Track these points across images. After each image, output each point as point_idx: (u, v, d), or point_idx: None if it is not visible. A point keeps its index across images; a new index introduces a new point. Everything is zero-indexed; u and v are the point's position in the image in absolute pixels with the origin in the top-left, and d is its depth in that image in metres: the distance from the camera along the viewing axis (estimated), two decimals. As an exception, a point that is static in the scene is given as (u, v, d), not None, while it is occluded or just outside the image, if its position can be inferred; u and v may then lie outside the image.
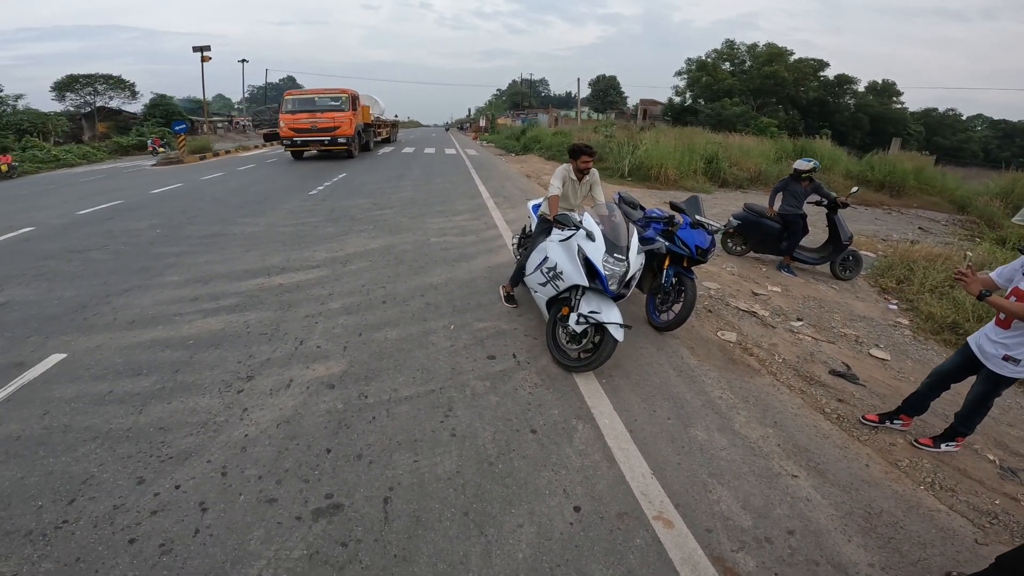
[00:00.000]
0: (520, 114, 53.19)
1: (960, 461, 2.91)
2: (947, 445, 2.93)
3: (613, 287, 3.15)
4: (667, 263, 4.10)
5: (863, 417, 3.20)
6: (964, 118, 58.26)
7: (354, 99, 17.11)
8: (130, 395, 3.03)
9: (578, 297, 3.31)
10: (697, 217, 4.12)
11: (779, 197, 6.28)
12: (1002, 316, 2.58)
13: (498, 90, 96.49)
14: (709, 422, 3.02)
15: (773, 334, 4.45)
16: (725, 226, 4.40)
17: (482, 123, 46.98)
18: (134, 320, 4.06)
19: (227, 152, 21.75)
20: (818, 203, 6.25)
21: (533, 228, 4.52)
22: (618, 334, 3.13)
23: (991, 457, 3.00)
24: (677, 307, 4.05)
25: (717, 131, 23.12)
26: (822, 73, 43.86)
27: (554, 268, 3.46)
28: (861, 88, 45.56)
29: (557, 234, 3.63)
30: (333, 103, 16.50)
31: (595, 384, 3.30)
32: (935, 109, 53.91)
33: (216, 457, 2.51)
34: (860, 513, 2.41)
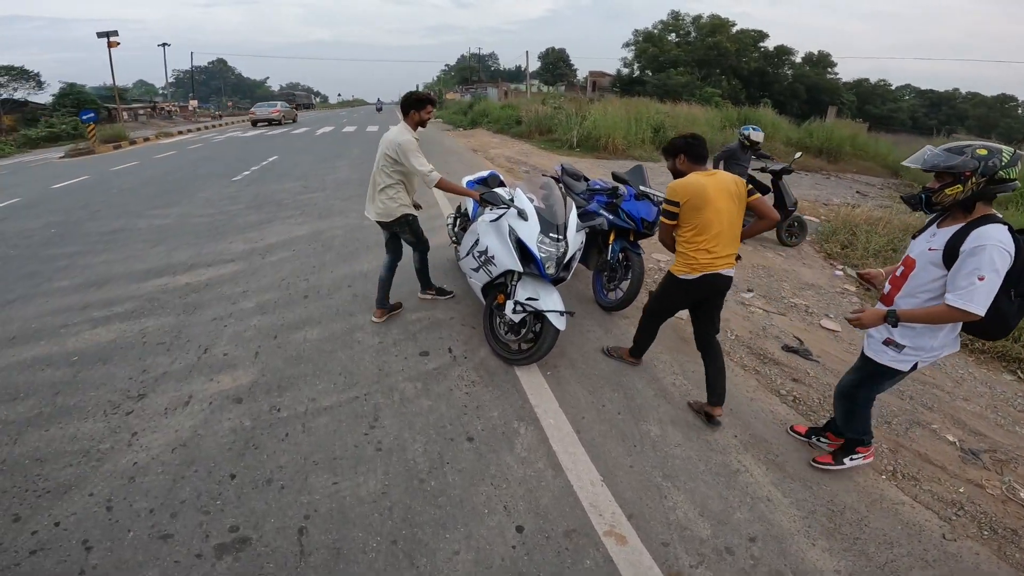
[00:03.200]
0: (469, 88, 51.74)
1: (920, 444, 2.75)
2: (852, 459, 2.43)
3: (550, 271, 2.84)
4: (612, 238, 3.85)
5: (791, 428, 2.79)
6: (893, 88, 61.31)
7: None
8: (4, 423, 2.60)
9: (514, 283, 2.99)
10: (642, 188, 3.87)
11: (722, 165, 6.16)
12: (885, 291, 2.18)
13: (447, 65, 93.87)
14: (662, 413, 2.80)
15: (724, 307, 4.31)
16: None
17: (429, 99, 45.21)
18: (15, 336, 3.47)
19: (146, 140, 19.93)
20: (763, 169, 6.18)
21: (468, 208, 4.16)
22: (559, 323, 2.85)
23: (951, 438, 2.84)
24: (625, 284, 3.82)
25: (664, 101, 23.17)
26: (762, 44, 44.75)
27: (485, 252, 3.10)
28: (798, 59, 46.89)
29: (488, 213, 3.28)
30: None
31: (539, 378, 3.02)
32: (867, 80, 56.29)
33: (100, 490, 2.16)
34: (823, 511, 2.23)
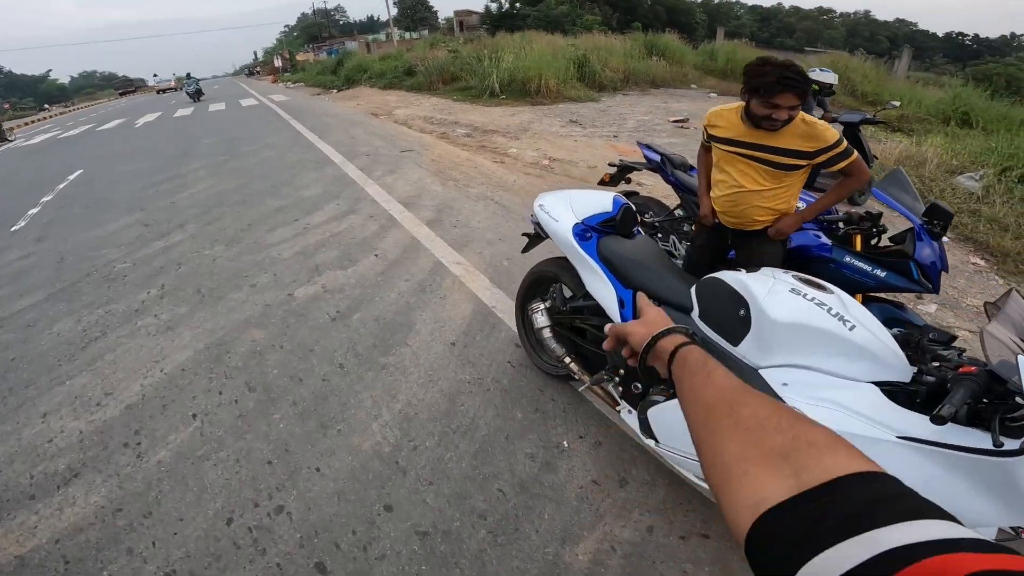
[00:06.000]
0: (322, 46, 45.91)
1: None
2: None
3: None
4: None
5: None
6: (733, 2, 65.37)
7: None
8: None
9: None
10: (925, 209, 2.03)
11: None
12: None
13: (286, 26, 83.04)
14: None
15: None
16: None
17: (278, 63, 39.96)
18: None
19: None
20: (833, 120, 4.59)
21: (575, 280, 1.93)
22: None
23: None
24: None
25: (551, 33, 21.16)
26: (621, -33, 44.08)
27: None
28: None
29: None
30: None
31: None
32: (712, -1, 58.87)
33: None
34: None
